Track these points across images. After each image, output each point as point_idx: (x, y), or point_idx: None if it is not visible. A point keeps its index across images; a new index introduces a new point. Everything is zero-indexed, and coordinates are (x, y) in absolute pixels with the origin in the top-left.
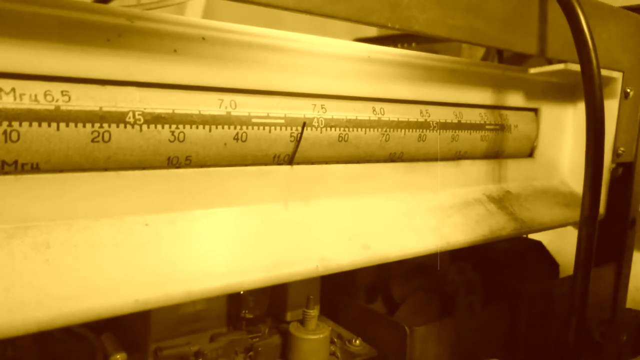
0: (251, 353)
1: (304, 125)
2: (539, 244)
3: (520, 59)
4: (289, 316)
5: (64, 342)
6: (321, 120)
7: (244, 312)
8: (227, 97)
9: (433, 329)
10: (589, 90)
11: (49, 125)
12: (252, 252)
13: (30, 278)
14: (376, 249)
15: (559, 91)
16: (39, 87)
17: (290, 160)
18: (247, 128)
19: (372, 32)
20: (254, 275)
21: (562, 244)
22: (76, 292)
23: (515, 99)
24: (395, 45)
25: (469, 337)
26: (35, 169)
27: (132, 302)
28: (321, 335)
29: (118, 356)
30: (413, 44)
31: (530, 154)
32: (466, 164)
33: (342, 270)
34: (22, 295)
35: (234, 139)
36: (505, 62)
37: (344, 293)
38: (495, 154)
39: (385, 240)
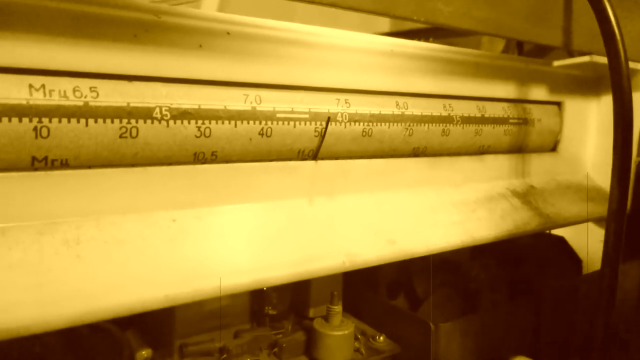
0: (276, 349)
1: (328, 119)
2: (561, 240)
3: (541, 52)
4: (311, 312)
5: (90, 338)
6: (345, 115)
7: (267, 308)
8: (252, 92)
9: (458, 325)
10: (616, 83)
11: (78, 121)
12: (278, 247)
13: (61, 274)
14: (402, 244)
15: (582, 84)
16: (67, 83)
17: (315, 155)
18: (272, 123)
19: (386, 27)
20: (281, 270)
21: (581, 240)
22: (107, 287)
23: (539, 92)
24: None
25: (493, 334)
26: (64, 165)
27: (162, 297)
28: (346, 332)
29: (144, 352)
30: (430, 39)
31: (553, 148)
32: (489, 158)
33: (368, 266)
34: (55, 291)
35: (259, 134)
36: (526, 56)
37: (366, 289)
38: (518, 149)
39: (410, 235)
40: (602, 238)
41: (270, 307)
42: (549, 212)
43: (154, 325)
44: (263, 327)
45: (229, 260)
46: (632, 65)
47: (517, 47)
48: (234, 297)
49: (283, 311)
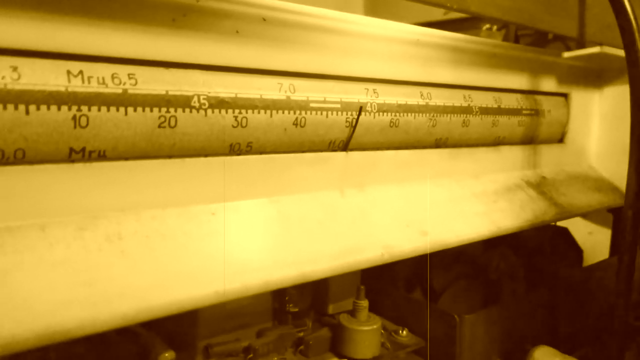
0: (301, 347)
1: (360, 109)
2: (565, 230)
3: (538, 44)
4: (331, 309)
5: (112, 340)
6: (374, 105)
7: (288, 306)
8: (286, 81)
9: (481, 316)
10: (633, 73)
11: (117, 110)
12: (319, 240)
13: (108, 271)
14: (434, 235)
15: (586, 76)
16: (106, 69)
17: (345, 146)
18: (305, 113)
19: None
20: (324, 263)
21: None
22: (156, 283)
23: (548, 83)
24: None
25: (514, 324)
26: (102, 156)
27: (213, 293)
28: (374, 326)
29: (167, 354)
30: None
31: (561, 139)
32: (505, 149)
33: (404, 258)
34: (104, 289)
35: (293, 124)
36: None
37: (383, 284)
38: (530, 139)
39: (440, 226)
40: (590, 230)
41: (291, 305)
42: (562, 202)
43: (174, 326)
44: (285, 325)
45: (272, 253)
46: None
47: (515, 39)
48: (256, 296)
49: (304, 308)
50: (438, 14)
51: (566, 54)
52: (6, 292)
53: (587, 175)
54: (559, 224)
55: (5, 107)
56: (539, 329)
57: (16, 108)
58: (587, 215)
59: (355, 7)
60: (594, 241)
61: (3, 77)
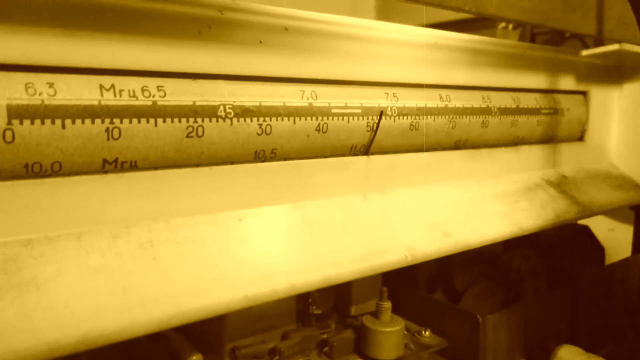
0: (326, 348)
1: (381, 114)
2: (586, 228)
3: (554, 43)
4: (353, 310)
5: (142, 343)
6: (394, 109)
7: (312, 308)
8: (308, 88)
9: (504, 316)
10: None
11: (148, 121)
12: (343, 243)
13: (142, 277)
14: (456, 236)
15: (605, 73)
16: (136, 82)
17: (367, 150)
18: (327, 119)
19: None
20: (349, 266)
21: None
22: (188, 289)
23: (567, 82)
24: None
25: (536, 323)
26: (133, 166)
27: (242, 297)
28: (398, 327)
29: (194, 357)
30: None
31: (580, 137)
32: (524, 149)
33: (427, 260)
34: (139, 295)
35: (316, 130)
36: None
37: (404, 285)
38: (549, 139)
39: (462, 227)
40: (611, 227)
41: (314, 307)
42: (583, 201)
43: (202, 330)
44: (309, 327)
45: (298, 258)
46: None
47: (531, 38)
48: (280, 299)
49: (327, 311)
50: (450, 14)
51: (585, 52)
52: (48, 300)
53: (607, 172)
54: (580, 222)
55: (43, 122)
56: (562, 328)
57: (53, 122)
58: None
59: (366, 10)
60: (615, 238)
61: (40, 94)
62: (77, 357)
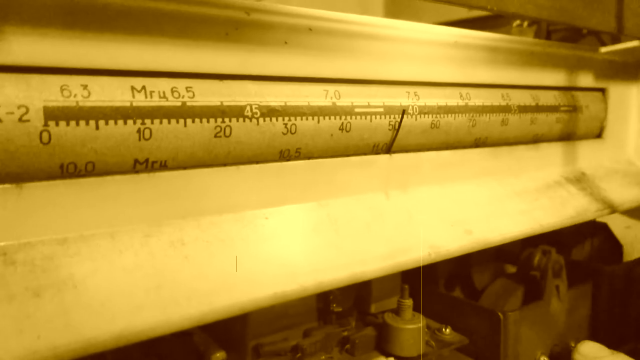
0: (347, 346)
1: (403, 112)
2: (604, 226)
3: (571, 40)
4: (373, 308)
5: (167, 340)
6: (415, 108)
7: (332, 306)
8: (331, 88)
9: (525, 313)
10: None
11: (177, 122)
12: (368, 241)
13: (174, 275)
14: (478, 234)
15: (624, 70)
16: (166, 83)
17: (389, 148)
18: (350, 118)
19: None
20: (373, 264)
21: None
22: (218, 287)
23: (585, 79)
24: None
25: (557, 320)
26: (163, 166)
27: (271, 294)
28: (419, 325)
29: (218, 355)
30: None
31: (599, 134)
32: (544, 146)
33: (450, 257)
34: (172, 292)
35: (339, 129)
36: None
37: (423, 282)
38: (568, 136)
39: (484, 225)
40: (627, 224)
41: (335, 305)
42: (603, 198)
43: (226, 327)
44: (330, 324)
45: (323, 256)
46: None
47: (547, 35)
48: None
49: (347, 308)
50: (461, 13)
51: (604, 49)
52: (85, 297)
53: (627, 170)
54: (598, 219)
55: (77, 123)
56: (582, 325)
57: (87, 124)
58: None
59: (374, 9)
60: (632, 235)
61: (75, 95)
62: (103, 355)
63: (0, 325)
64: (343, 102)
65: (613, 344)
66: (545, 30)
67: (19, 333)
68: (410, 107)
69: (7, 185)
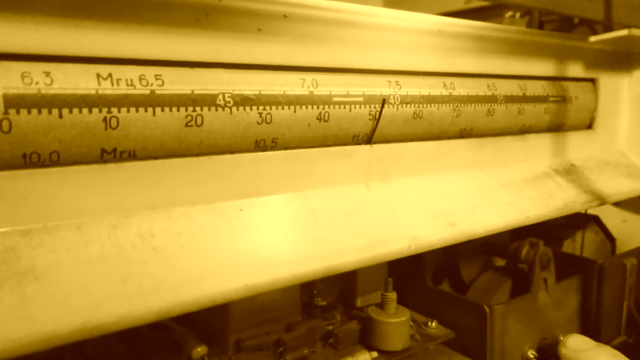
0: (331, 340)
1: (383, 102)
2: (596, 219)
3: (563, 30)
4: (358, 302)
5: (146, 335)
6: (397, 97)
7: (317, 299)
8: (309, 77)
9: (511, 307)
10: None
11: (146, 111)
12: (346, 233)
13: (141, 267)
14: (461, 226)
15: (614, 60)
16: (133, 71)
17: (369, 139)
18: (328, 107)
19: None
20: (351, 256)
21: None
22: (187, 279)
23: (575, 69)
24: None
25: (545, 313)
26: (132, 156)
27: (242, 287)
28: (403, 318)
29: (199, 349)
30: None
31: (589, 125)
32: (532, 137)
33: (432, 249)
34: (139, 285)
35: (317, 119)
36: None
37: (410, 276)
38: (557, 127)
39: (468, 217)
40: (624, 218)
41: (320, 298)
42: (593, 190)
43: (206, 321)
44: (314, 318)
45: (300, 247)
46: None
47: (539, 25)
48: (285, 290)
49: (332, 302)
50: (459, 3)
51: (593, 38)
52: (47, 290)
53: (617, 161)
54: (590, 212)
55: (40, 112)
56: (571, 318)
57: (50, 112)
58: (620, 203)
59: None
60: (628, 229)
61: (37, 83)
62: (82, 347)
63: None
64: (320, 91)
65: (603, 338)
66: (538, 20)
67: None
68: (392, 97)
69: None
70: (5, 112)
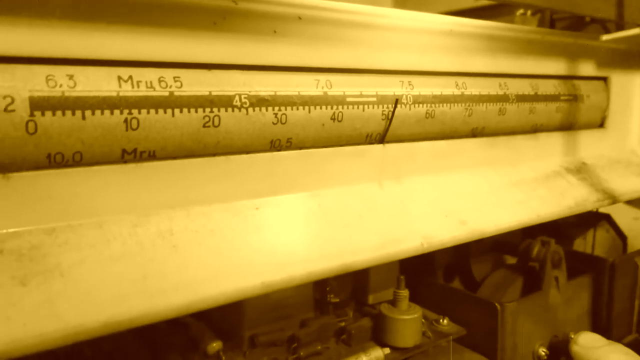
0: (344, 336)
1: (396, 102)
2: (607, 217)
3: (574, 29)
4: (370, 299)
5: (163, 330)
6: (409, 97)
7: (329, 296)
8: (323, 77)
9: (523, 305)
10: None
11: (165, 112)
12: (358, 231)
13: (161, 265)
14: (473, 224)
15: (626, 58)
16: (153, 73)
17: (382, 138)
18: (342, 107)
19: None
20: (365, 254)
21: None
22: (206, 276)
23: (587, 68)
24: None
25: (556, 311)
26: (152, 156)
27: (259, 284)
28: (415, 315)
29: (214, 344)
30: None
31: (601, 124)
32: (543, 136)
33: (444, 247)
34: (159, 282)
35: (331, 119)
36: None
37: (421, 273)
38: (569, 126)
39: (479, 215)
40: (635, 216)
41: (332, 295)
42: (604, 188)
43: (222, 318)
44: (327, 315)
45: (314, 245)
46: None
47: (550, 24)
48: (298, 287)
49: (344, 299)
50: (468, 1)
51: (605, 37)
52: (72, 286)
53: (629, 160)
54: (601, 210)
55: (64, 114)
56: (583, 316)
57: (73, 114)
58: (632, 201)
59: None
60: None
61: (61, 85)
62: (99, 343)
63: None
64: (334, 91)
65: (614, 336)
66: (549, 19)
67: (5, 320)
68: (404, 97)
69: None
70: (31, 114)
